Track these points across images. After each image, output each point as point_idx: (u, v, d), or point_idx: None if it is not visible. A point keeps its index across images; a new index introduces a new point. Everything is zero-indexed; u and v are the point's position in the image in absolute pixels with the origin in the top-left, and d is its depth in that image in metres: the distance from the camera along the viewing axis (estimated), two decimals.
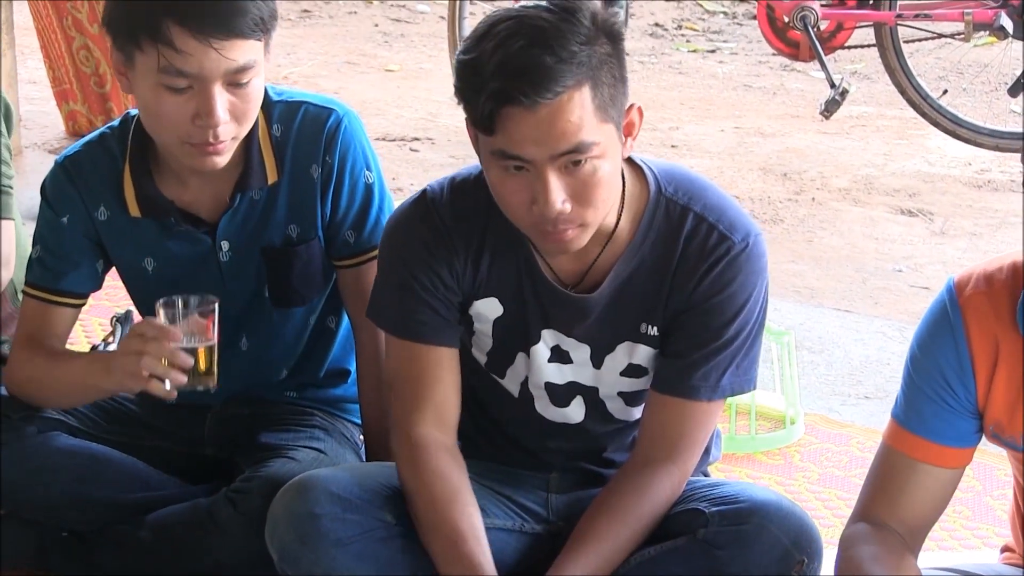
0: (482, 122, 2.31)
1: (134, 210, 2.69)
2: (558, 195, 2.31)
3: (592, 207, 2.35)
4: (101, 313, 3.01)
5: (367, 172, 2.70)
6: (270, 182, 2.67)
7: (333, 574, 2.40)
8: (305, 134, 2.67)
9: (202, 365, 2.50)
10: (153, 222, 2.69)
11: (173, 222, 2.68)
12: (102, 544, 2.66)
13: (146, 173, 2.66)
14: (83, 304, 2.78)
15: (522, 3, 2.37)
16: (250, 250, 2.71)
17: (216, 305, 2.50)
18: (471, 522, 2.42)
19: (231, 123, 2.52)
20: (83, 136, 5.48)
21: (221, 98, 2.49)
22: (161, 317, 2.50)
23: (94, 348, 3.26)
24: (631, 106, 2.39)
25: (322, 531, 2.41)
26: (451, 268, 2.50)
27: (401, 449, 2.50)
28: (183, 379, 2.49)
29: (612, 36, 2.34)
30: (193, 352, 2.49)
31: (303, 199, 2.69)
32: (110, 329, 3.41)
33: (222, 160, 2.56)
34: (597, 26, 2.32)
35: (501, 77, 2.27)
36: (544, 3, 2.33)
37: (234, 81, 2.49)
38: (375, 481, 2.49)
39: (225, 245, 2.70)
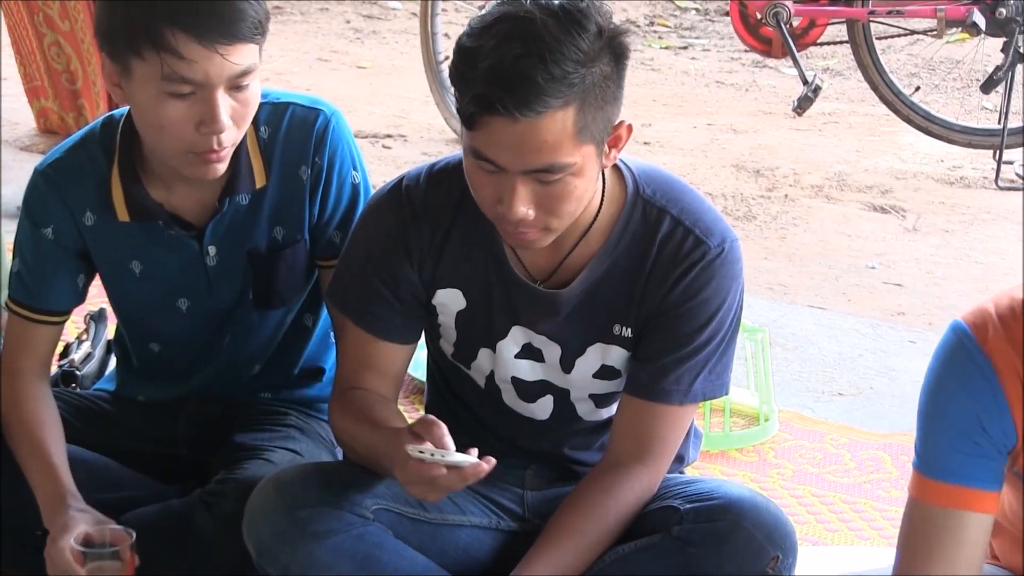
0: (464, 118, 2.30)
1: (122, 214, 2.66)
2: (522, 204, 2.32)
3: (557, 217, 2.36)
4: (75, 311, 2.99)
5: (354, 172, 2.70)
6: (258, 186, 2.66)
7: (310, 569, 2.41)
8: (293, 136, 2.66)
9: None
10: (140, 227, 2.67)
11: (161, 226, 2.66)
12: None
13: (135, 177, 2.64)
14: (65, 319, 2.76)
15: None
16: (237, 253, 2.70)
17: (133, 540, 2.46)
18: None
19: (232, 128, 2.50)
20: (54, 132, 5.52)
21: (224, 104, 2.47)
22: (70, 555, 2.45)
23: (67, 347, 3.25)
24: (620, 123, 2.37)
25: (300, 526, 2.41)
26: (411, 259, 2.50)
27: (334, 401, 2.57)
28: None
29: (616, 53, 2.31)
30: None
31: (291, 201, 2.68)
32: (83, 327, 3.40)
33: (223, 167, 2.55)
34: (603, 40, 2.29)
35: (488, 83, 2.24)
36: (555, 2, 2.28)
37: (236, 85, 2.47)
38: (352, 478, 2.49)
39: (212, 250, 2.68)
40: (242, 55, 2.46)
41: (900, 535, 2.24)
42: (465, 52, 2.29)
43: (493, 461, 2.29)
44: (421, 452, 2.27)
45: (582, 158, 2.31)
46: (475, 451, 2.30)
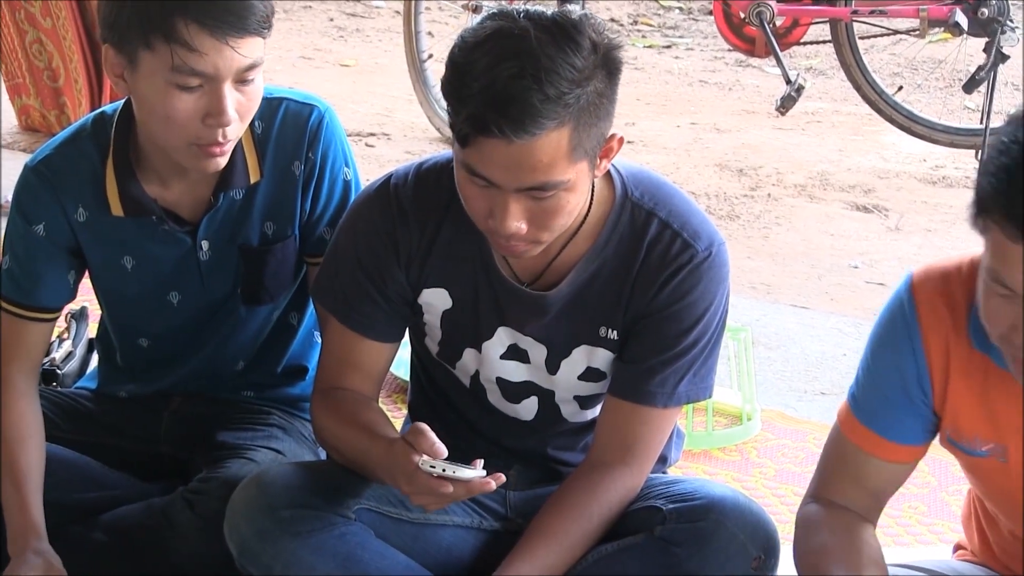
0: (457, 136, 2.29)
1: (116, 209, 2.65)
2: (514, 220, 2.32)
3: (549, 231, 2.36)
4: None
5: (346, 169, 2.71)
6: (252, 181, 2.66)
7: (292, 568, 2.40)
8: (287, 131, 2.66)
9: None
10: (133, 222, 2.66)
11: (155, 221, 2.66)
12: (56, 545, 2.63)
13: (130, 172, 2.63)
14: (56, 317, 2.75)
15: (526, 4, 2.32)
16: (228, 248, 2.69)
17: None
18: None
19: (237, 122, 2.51)
20: (36, 130, 5.50)
21: (231, 97, 2.48)
22: None
23: (48, 346, 3.24)
24: (612, 135, 2.36)
25: (281, 525, 2.41)
26: (399, 259, 2.50)
27: (316, 399, 2.56)
28: None
29: (610, 69, 2.31)
30: None
31: (283, 196, 2.68)
32: (64, 326, 3.39)
33: (224, 160, 2.55)
34: (598, 56, 2.28)
35: (483, 104, 2.23)
36: (549, 16, 2.28)
37: (242, 79, 2.49)
38: (334, 478, 2.49)
39: (205, 244, 2.68)
40: (250, 48, 2.47)
41: (824, 450, 2.35)
42: (458, 68, 2.28)
43: (503, 478, 2.30)
44: (432, 467, 2.29)
45: (575, 174, 2.31)
46: (480, 462, 2.32)
